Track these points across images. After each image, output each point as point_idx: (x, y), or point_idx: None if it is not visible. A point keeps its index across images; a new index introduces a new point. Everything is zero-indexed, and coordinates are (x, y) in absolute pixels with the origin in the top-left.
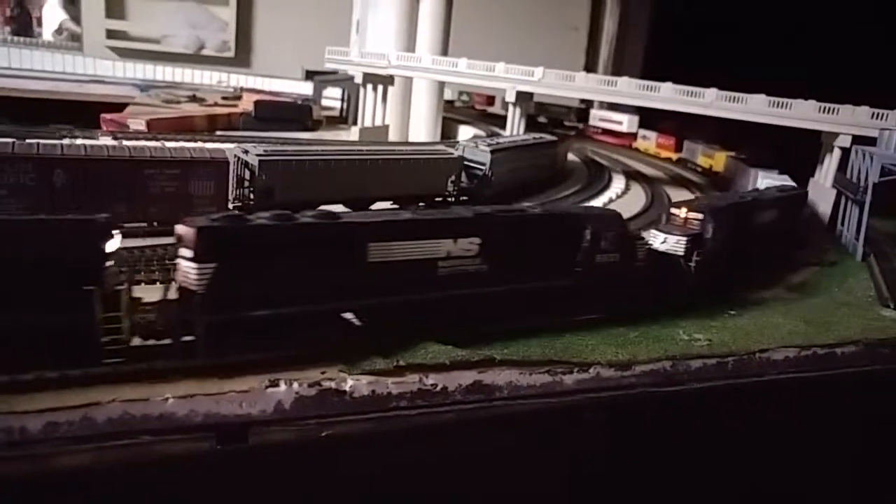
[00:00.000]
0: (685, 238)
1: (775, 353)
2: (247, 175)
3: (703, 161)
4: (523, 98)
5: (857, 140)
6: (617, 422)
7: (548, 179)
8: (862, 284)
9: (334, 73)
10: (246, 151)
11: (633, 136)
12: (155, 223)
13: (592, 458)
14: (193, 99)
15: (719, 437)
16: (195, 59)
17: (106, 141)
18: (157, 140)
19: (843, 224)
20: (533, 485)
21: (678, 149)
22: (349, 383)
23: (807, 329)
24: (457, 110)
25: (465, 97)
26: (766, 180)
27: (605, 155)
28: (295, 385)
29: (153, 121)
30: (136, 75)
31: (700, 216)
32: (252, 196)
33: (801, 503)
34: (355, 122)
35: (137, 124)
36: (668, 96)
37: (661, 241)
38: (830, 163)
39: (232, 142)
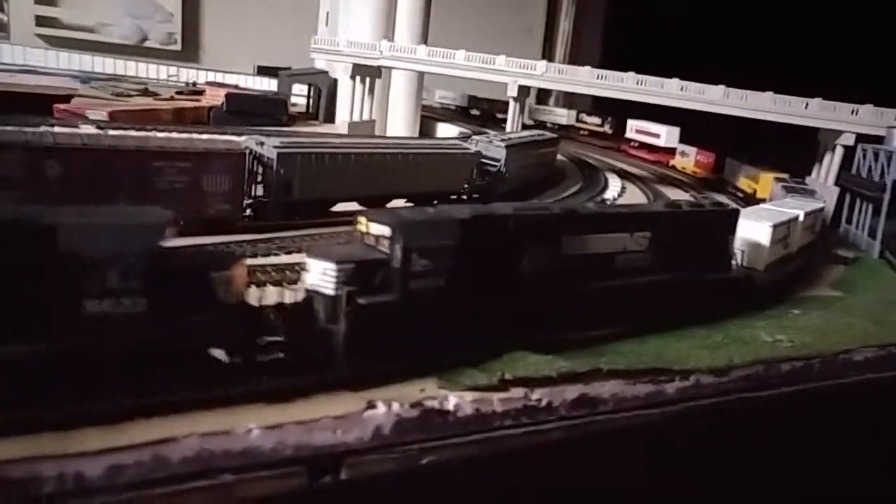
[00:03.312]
0: (338, 268)
1: (856, 355)
2: (260, 169)
3: (745, 184)
4: (523, 93)
5: (859, 139)
6: (718, 430)
7: (548, 177)
8: None
9: (288, 68)
10: (261, 143)
11: (673, 151)
12: None
13: (697, 468)
14: (146, 93)
15: (809, 441)
16: (137, 51)
17: (89, 129)
18: (148, 131)
19: (849, 222)
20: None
21: (718, 168)
22: (452, 401)
23: (877, 329)
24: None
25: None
26: (789, 203)
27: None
28: (395, 406)
29: (116, 112)
30: (71, 66)
31: (387, 232)
32: (265, 193)
33: None
34: (329, 119)
35: (97, 115)
36: (674, 93)
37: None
38: (832, 161)
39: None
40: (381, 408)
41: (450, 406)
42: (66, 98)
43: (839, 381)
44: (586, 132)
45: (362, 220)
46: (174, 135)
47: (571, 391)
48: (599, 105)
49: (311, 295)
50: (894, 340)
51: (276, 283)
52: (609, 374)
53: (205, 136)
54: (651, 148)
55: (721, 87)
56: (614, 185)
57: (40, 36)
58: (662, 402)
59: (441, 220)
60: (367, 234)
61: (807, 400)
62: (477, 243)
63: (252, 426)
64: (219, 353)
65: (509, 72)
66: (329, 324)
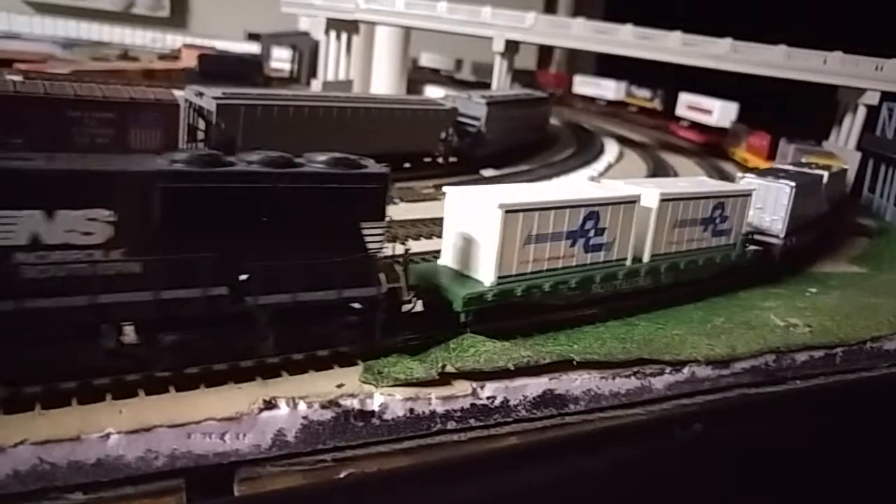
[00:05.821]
0: None
1: (888, 343)
2: (201, 124)
3: None
4: (511, 49)
5: (884, 97)
6: (717, 435)
7: (539, 142)
8: None
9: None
10: (200, 94)
11: (726, 132)
12: None
13: (689, 482)
14: (125, 57)
15: (828, 448)
16: (125, 17)
17: (13, 77)
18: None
19: (873, 190)
20: None
21: (771, 154)
22: (377, 400)
23: None
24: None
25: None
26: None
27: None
28: (301, 405)
29: (80, 71)
30: (57, 32)
31: None
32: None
33: None
34: (310, 82)
35: (58, 72)
36: (674, 48)
37: None
38: (853, 123)
39: None
40: (284, 407)
41: (374, 406)
42: (41, 62)
43: (867, 375)
44: (636, 109)
45: None
46: (101, 84)
47: (533, 387)
48: (647, 74)
49: None
50: None
51: None
52: (581, 365)
53: (138, 88)
54: (701, 129)
55: (728, 41)
56: (611, 151)
57: (28, 2)
58: (648, 401)
59: None
60: None
61: (827, 397)
62: None
63: (110, 430)
64: None
65: (495, 25)
66: None
